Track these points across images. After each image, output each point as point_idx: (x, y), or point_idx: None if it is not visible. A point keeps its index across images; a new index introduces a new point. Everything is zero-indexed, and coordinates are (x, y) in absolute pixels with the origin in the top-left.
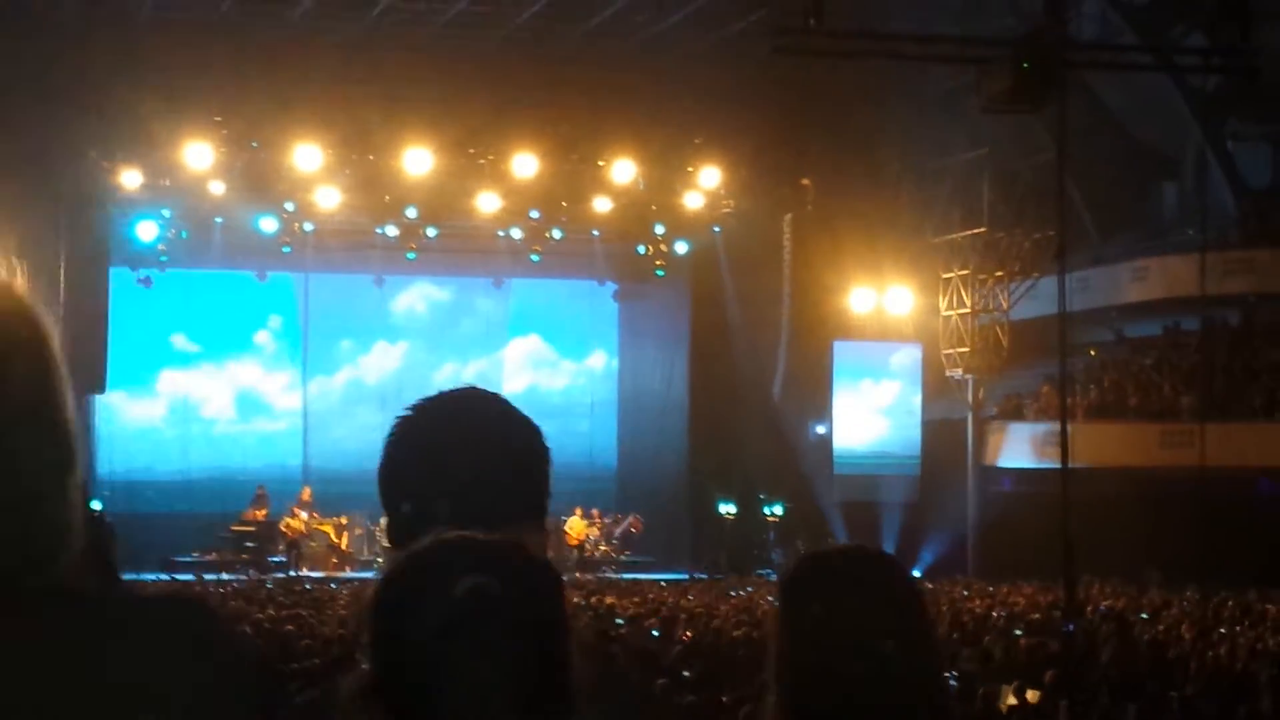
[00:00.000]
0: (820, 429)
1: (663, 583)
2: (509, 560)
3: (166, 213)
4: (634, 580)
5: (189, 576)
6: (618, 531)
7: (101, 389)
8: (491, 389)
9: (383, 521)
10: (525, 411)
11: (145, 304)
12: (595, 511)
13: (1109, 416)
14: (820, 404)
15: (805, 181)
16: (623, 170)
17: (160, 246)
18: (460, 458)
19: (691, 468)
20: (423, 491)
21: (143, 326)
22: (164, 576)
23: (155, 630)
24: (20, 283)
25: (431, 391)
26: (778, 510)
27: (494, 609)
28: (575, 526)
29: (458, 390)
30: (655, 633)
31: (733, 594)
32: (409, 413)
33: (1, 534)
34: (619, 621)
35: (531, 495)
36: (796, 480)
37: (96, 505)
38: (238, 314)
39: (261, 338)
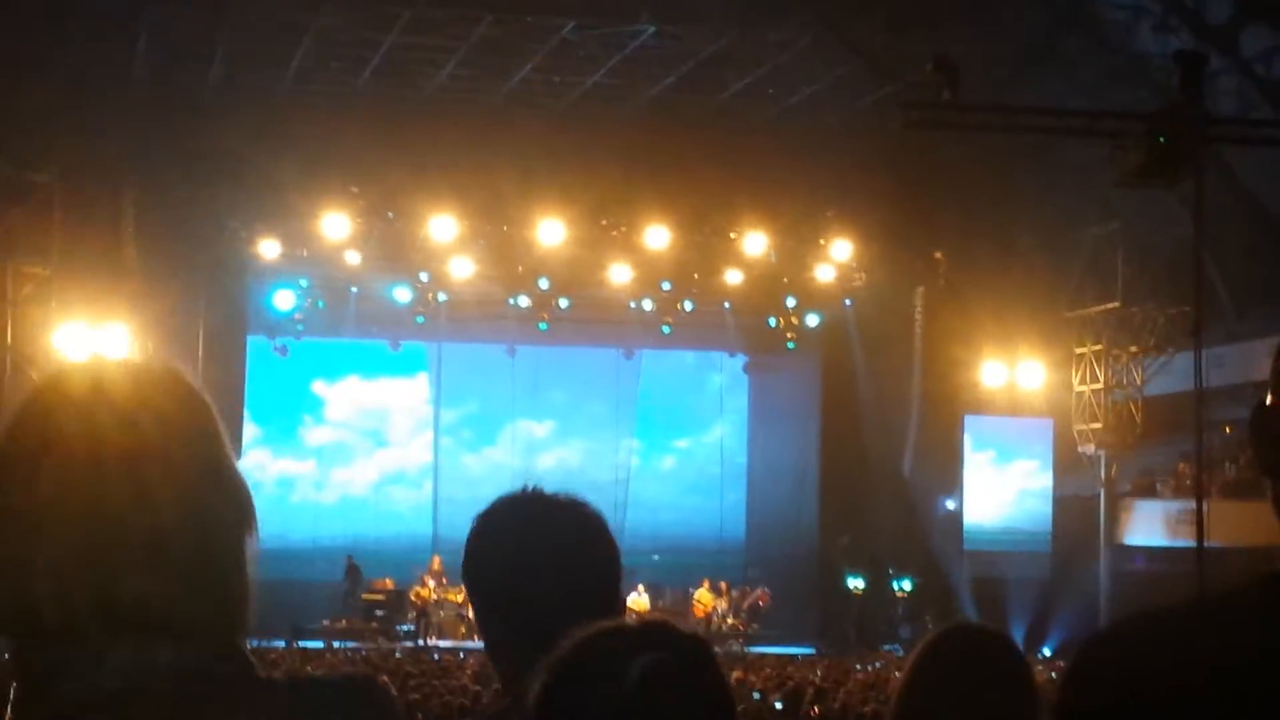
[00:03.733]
0: (950, 504)
1: (792, 657)
2: (676, 636)
3: (304, 282)
4: (761, 654)
5: (318, 644)
6: (745, 604)
7: (237, 456)
8: (621, 460)
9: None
10: (654, 484)
11: (281, 372)
12: (724, 584)
13: (1246, 495)
14: (950, 478)
15: (938, 255)
16: (754, 242)
17: (297, 315)
18: (547, 560)
19: (821, 541)
20: (514, 591)
21: (277, 395)
22: (294, 644)
23: (341, 714)
24: (183, 367)
25: (561, 459)
26: (906, 585)
27: (672, 684)
28: (703, 598)
29: (534, 495)
30: (778, 705)
31: (860, 669)
32: (491, 512)
33: (198, 586)
34: (755, 695)
35: (613, 594)
36: (926, 555)
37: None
38: (371, 383)
39: (394, 407)
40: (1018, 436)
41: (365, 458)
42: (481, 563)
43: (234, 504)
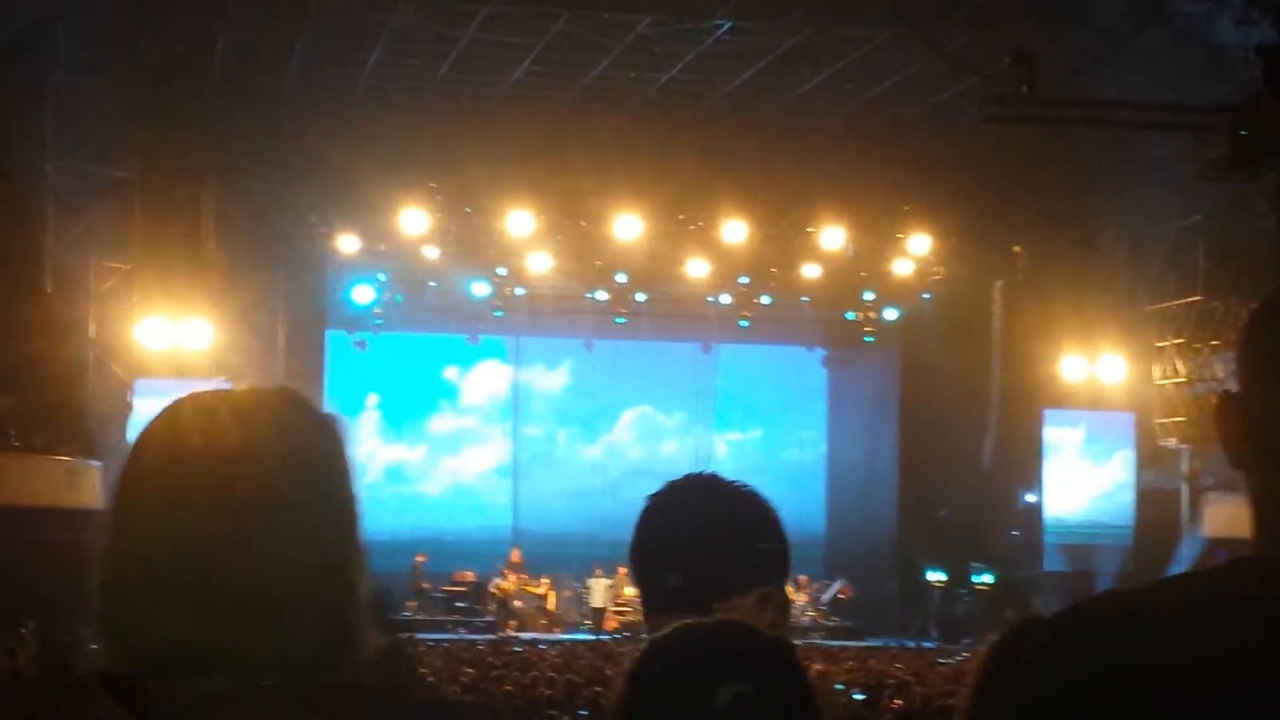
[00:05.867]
0: (1030, 497)
1: (872, 650)
2: (763, 661)
3: (382, 276)
4: (842, 647)
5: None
6: (825, 597)
7: None
8: (702, 453)
9: (597, 584)
10: (737, 477)
11: (360, 366)
12: (803, 578)
13: None
14: (1030, 472)
15: (1017, 249)
16: (832, 237)
17: (375, 310)
18: (691, 535)
19: (900, 534)
20: (662, 567)
21: (357, 389)
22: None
23: None
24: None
25: (641, 454)
26: (987, 579)
27: (757, 717)
28: None
29: (690, 476)
30: (857, 696)
31: (941, 662)
32: (651, 500)
33: (303, 600)
34: (839, 687)
35: (760, 563)
36: (1007, 549)
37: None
38: (450, 376)
39: (473, 401)
40: (1099, 430)
41: (430, 453)
42: (653, 539)
43: (340, 518)
